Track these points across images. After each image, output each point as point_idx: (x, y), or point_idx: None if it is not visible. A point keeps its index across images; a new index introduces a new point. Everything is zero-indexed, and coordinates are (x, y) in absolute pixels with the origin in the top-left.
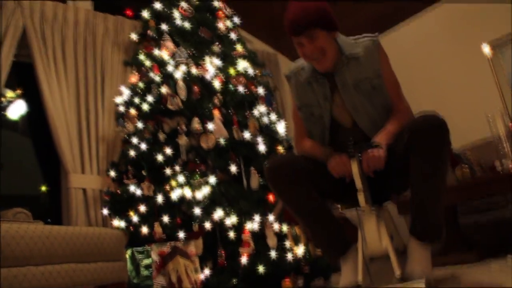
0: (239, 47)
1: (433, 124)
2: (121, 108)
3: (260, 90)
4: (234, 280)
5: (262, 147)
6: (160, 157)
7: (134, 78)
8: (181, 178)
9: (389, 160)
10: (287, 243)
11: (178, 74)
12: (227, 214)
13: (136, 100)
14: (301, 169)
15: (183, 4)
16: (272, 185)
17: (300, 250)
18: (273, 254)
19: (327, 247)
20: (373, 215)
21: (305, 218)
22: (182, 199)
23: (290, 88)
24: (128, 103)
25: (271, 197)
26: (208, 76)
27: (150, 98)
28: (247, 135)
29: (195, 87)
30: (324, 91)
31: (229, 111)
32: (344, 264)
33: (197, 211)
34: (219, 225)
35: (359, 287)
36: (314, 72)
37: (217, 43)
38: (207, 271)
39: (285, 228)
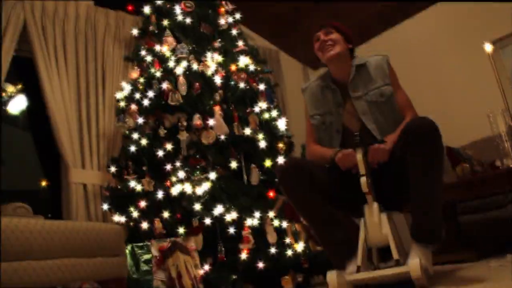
0: (240, 43)
1: (426, 129)
2: (122, 104)
3: (261, 86)
4: (234, 276)
5: (262, 143)
6: (160, 153)
7: (135, 74)
8: (181, 174)
9: (391, 160)
10: (287, 239)
11: (179, 70)
12: (227, 210)
13: (137, 95)
14: (309, 173)
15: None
16: (283, 188)
17: (300, 246)
18: (273, 250)
19: (334, 249)
20: (375, 204)
21: (313, 220)
22: (183, 194)
23: (305, 99)
24: (129, 99)
25: (271, 193)
26: (209, 72)
27: (150, 94)
28: (247, 131)
29: (196, 82)
30: (337, 98)
31: (230, 107)
32: (349, 265)
33: (197, 206)
34: (219, 221)
35: (358, 269)
36: (327, 81)
37: (218, 38)
38: (207, 267)
39: (285, 224)
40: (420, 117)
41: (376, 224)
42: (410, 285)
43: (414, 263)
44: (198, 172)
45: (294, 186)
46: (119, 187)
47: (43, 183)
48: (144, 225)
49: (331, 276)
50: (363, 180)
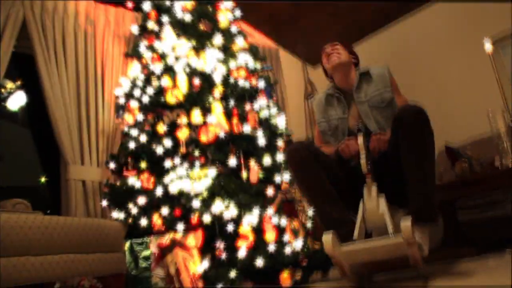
0: (240, 40)
1: (411, 114)
2: (121, 100)
3: (261, 84)
4: (233, 273)
5: (262, 141)
6: (159, 150)
7: (134, 70)
8: (180, 171)
9: (390, 153)
10: (286, 237)
11: (179, 67)
12: (226, 207)
13: (136, 92)
14: (318, 154)
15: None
16: (290, 164)
17: (298, 243)
18: (271, 247)
19: (334, 227)
20: (374, 185)
21: (315, 196)
22: (182, 191)
23: (314, 109)
24: (128, 95)
25: (270, 191)
26: (208, 69)
27: (150, 90)
28: (247, 128)
29: (196, 79)
30: (342, 104)
31: (229, 104)
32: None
33: (196, 203)
34: (218, 218)
35: (354, 241)
36: (332, 90)
37: (218, 35)
38: (205, 264)
39: (283, 221)
40: (406, 105)
41: (374, 204)
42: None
43: (405, 225)
44: (197, 169)
45: (301, 162)
46: (118, 183)
47: (42, 180)
48: (143, 221)
49: (327, 237)
50: (363, 160)
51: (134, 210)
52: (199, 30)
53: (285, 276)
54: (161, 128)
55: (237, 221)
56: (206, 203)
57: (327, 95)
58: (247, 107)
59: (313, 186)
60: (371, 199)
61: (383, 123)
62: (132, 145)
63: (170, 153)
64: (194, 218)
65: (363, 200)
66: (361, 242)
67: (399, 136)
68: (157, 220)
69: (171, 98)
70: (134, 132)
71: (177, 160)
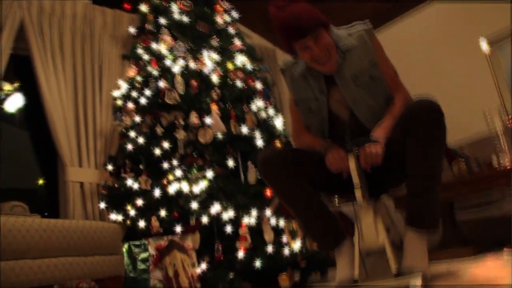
0: (237, 42)
1: (428, 108)
2: (119, 102)
3: (258, 85)
4: (231, 274)
5: (259, 142)
6: (157, 151)
7: (132, 72)
8: (178, 172)
9: (386, 150)
10: (284, 238)
11: (176, 68)
12: (224, 208)
13: (134, 94)
14: (292, 161)
15: None
16: (264, 177)
17: (296, 244)
18: (270, 248)
19: (320, 238)
20: (370, 210)
21: (297, 209)
22: (180, 193)
23: (285, 82)
24: (126, 97)
25: (268, 192)
26: (206, 70)
27: (148, 92)
28: (244, 129)
29: (193, 81)
30: (320, 85)
31: (227, 105)
32: (338, 258)
33: (194, 205)
34: (216, 219)
35: (355, 282)
36: (308, 67)
37: (215, 37)
38: (204, 265)
39: (282, 222)
40: (421, 101)
41: (372, 231)
42: None
43: (415, 282)
44: (195, 171)
45: (276, 175)
46: (116, 185)
47: (40, 182)
48: (141, 223)
49: None
50: (357, 192)
51: (132, 212)
52: (196, 31)
53: (283, 277)
54: (159, 129)
55: (235, 222)
56: (204, 205)
57: (304, 75)
58: (245, 108)
59: (293, 199)
60: (368, 225)
61: (375, 104)
62: (130, 146)
63: (168, 154)
64: (192, 220)
65: (358, 226)
66: (364, 286)
67: (407, 137)
68: (155, 222)
69: (169, 99)
70: (132, 133)
71: (175, 161)
